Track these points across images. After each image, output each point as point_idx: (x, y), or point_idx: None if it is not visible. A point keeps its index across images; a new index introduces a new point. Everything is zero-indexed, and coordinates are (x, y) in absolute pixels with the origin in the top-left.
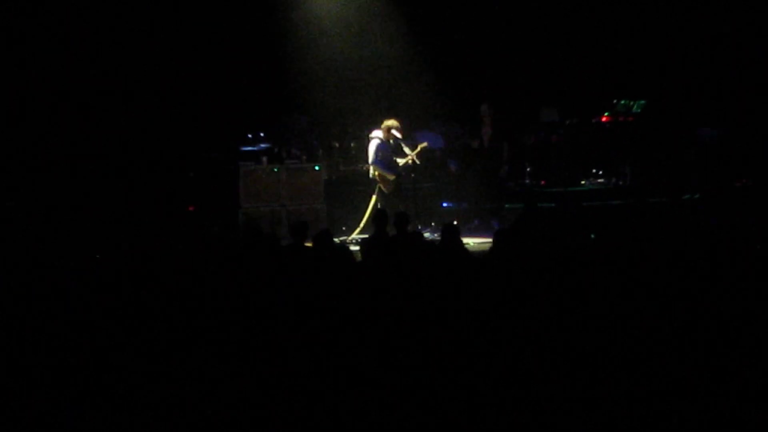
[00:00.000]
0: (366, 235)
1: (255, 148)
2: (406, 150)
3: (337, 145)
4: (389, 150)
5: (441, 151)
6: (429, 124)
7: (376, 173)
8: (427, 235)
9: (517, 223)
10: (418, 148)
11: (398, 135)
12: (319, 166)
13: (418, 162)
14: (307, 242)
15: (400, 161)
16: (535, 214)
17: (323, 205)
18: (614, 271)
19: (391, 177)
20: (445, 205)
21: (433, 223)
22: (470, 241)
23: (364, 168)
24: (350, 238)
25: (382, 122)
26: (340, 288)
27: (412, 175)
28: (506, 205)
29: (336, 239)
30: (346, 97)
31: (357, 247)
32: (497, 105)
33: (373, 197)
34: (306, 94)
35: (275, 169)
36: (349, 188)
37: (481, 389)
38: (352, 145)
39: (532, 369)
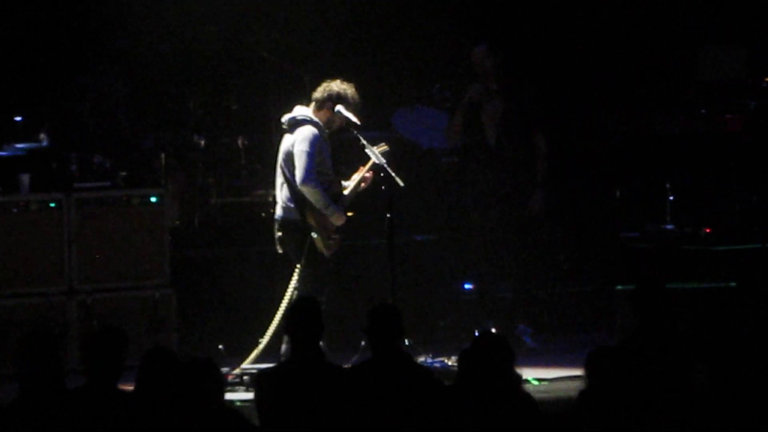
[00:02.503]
0: (269, 365)
1: (5, 154)
2: (372, 153)
3: (203, 143)
4: (327, 156)
5: (457, 157)
6: (429, 89)
7: (309, 213)
8: (421, 362)
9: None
10: (375, 151)
11: (352, 118)
12: (157, 196)
13: (385, 179)
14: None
15: (346, 186)
16: (661, 308)
17: (169, 289)
18: None
19: (338, 220)
20: (467, 287)
21: (441, 324)
22: (530, 377)
23: (274, 199)
24: (238, 369)
25: (314, 88)
26: None
27: (388, 216)
28: (618, 287)
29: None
30: (219, 30)
31: (247, 395)
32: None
33: (297, 269)
34: (128, 25)
35: (52, 204)
36: (236, 248)
37: None
38: (241, 143)
39: None
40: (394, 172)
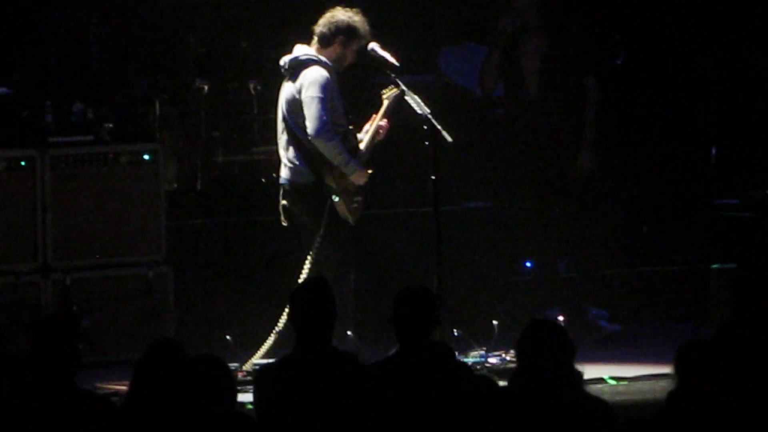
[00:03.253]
0: (269, 360)
1: None
2: (411, 103)
3: (206, 89)
4: (340, 102)
5: None
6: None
7: (328, 173)
8: (474, 357)
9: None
10: (417, 99)
11: (389, 58)
12: (151, 153)
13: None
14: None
15: (361, 139)
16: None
17: (166, 266)
18: None
19: (360, 178)
20: (529, 265)
21: (495, 323)
22: (606, 375)
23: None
24: (249, 364)
25: (318, 19)
26: None
27: (433, 178)
28: (713, 266)
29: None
30: None
31: (246, 397)
32: None
33: (316, 240)
34: None
35: (22, 163)
36: (246, 216)
37: None
38: (253, 88)
39: None
40: (440, 125)
